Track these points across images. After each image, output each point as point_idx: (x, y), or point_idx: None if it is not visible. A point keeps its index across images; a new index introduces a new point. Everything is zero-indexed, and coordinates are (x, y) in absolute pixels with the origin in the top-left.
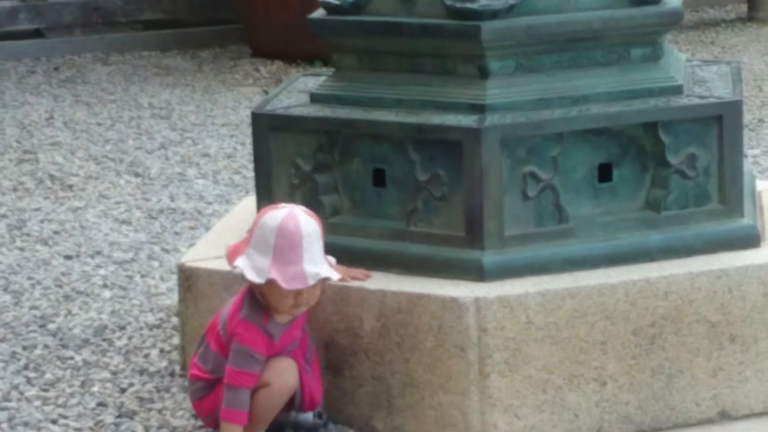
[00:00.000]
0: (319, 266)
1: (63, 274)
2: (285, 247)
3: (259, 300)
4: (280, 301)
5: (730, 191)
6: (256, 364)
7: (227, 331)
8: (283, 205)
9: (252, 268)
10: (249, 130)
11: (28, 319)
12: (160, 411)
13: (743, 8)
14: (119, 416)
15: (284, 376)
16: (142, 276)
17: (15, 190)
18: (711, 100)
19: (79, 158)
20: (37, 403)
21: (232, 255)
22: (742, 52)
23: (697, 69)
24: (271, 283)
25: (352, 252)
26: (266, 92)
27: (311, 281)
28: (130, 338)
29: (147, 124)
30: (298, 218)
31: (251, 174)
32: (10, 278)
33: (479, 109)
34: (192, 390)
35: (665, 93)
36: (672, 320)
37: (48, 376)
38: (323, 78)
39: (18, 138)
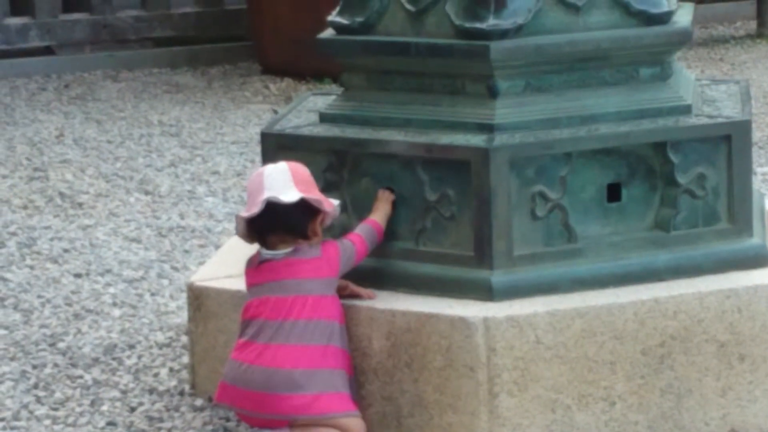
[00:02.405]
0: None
1: (73, 292)
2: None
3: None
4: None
5: (739, 211)
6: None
7: (329, 270)
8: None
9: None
10: (259, 148)
11: (37, 338)
12: (169, 430)
13: (752, 25)
14: None
15: None
16: (152, 294)
17: (25, 207)
18: (720, 119)
19: (89, 176)
20: (47, 422)
21: None
22: (751, 69)
23: (706, 88)
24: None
25: (361, 271)
26: (275, 111)
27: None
28: (139, 357)
29: (157, 142)
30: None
31: None
32: (20, 296)
33: (488, 128)
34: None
35: (674, 113)
36: (681, 340)
37: (58, 395)
38: (332, 97)
39: (28, 155)
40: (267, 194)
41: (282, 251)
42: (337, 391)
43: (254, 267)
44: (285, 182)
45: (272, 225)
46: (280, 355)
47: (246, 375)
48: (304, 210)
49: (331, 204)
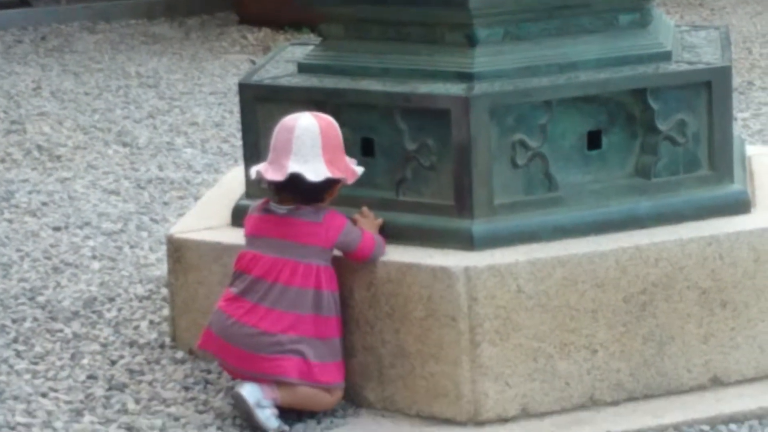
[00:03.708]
0: None
1: (52, 245)
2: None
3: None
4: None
5: (720, 157)
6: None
7: (324, 240)
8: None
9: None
10: (237, 99)
11: (17, 292)
12: (150, 383)
13: None
14: (109, 389)
15: (338, 399)
16: (131, 247)
17: (3, 161)
18: (700, 66)
19: (67, 128)
20: (27, 376)
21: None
22: (730, 14)
23: (685, 34)
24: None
25: None
26: (253, 62)
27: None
28: (119, 310)
29: (135, 93)
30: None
31: (240, 142)
32: None
33: (467, 77)
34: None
35: (654, 59)
36: (663, 287)
37: (37, 349)
38: (310, 48)
39: (5, 108)
40: (293, 163)
41: (286, 207)
42: (325, 361)
43: (257, 215)
44: (313, 149)
45: (291, 191)
46: (269, 319)
47: (232, 330)
48: (327, 182)
49: (356, 174)
